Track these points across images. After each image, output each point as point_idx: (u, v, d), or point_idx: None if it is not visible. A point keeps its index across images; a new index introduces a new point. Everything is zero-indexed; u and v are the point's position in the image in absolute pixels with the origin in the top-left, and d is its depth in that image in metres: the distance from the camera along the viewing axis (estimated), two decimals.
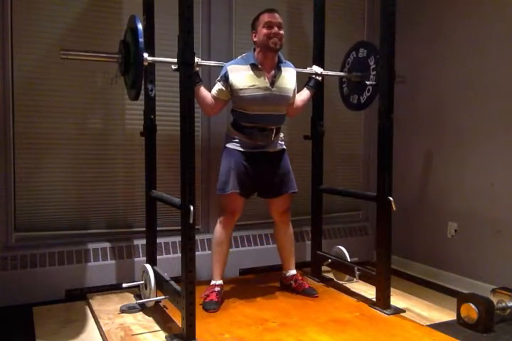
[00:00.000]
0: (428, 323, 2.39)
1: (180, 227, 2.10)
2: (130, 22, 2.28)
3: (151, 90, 2.59)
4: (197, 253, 2.13)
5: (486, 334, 2.27)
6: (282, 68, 2.59)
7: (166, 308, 2.48)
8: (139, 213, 2.95)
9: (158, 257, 2.73)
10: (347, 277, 2.96)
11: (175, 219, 2.83)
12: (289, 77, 2.62)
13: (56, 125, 2.78)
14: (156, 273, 2.46)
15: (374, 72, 2.68)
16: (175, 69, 2.10)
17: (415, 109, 3.40)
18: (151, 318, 2.39)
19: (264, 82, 2.51)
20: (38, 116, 2.74)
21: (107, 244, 2.90)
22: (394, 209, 2.48)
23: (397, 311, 2.50)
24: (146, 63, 2.23)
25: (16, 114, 2.69)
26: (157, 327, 2.28)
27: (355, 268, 2.72)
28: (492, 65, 2.87)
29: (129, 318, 2.39)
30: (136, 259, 2.92)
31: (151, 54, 2.57)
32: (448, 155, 3.16)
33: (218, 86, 2.55)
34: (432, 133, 3.29)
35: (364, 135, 3.73)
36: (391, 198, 2.48)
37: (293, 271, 2.82)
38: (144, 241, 2.75)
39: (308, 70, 2.83)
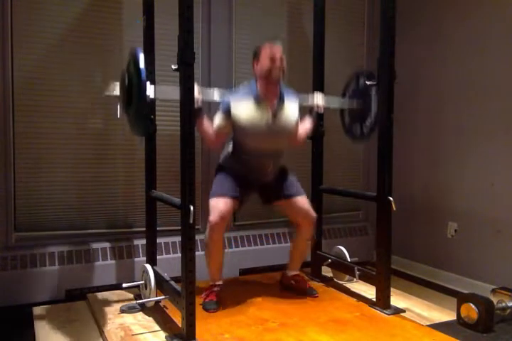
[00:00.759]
0: (428, 323, 2.39)
1: (180, 227, 2.10)
2: (132, 54, 2.24)
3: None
4: (197, 253, 2.12)
5: (486, 334, 2.27)
6: (285, 100, 2.55)
7: (166, 308, 2.48)
8: (139, 213, 2.95)
9: (158, 257, 2.72)
10: (347, 277, 2.96)
11: (175, 219, 2.83)
12: (291, 108, 2.57)
13: (56, 125, 2.78)
14: (156, 273, 2.46)
15: (375, 100, 2.63)
16: (175, 69, 2.10)
17: (415, 109, 3.40)
18: (151, 318, 2.39)
19: (266, 115, 2.48)
20: (38, 116, 2.74)
21: (107, 244, 2.90)
22: (394, 209, 2.48)
23: (397, 311, 2.50)
24: (149, 100, 2.22)
25: (16, 114, 2.69)
26: (157, 327, 2.28)
27: (355, 268, 2.72)
28: (492, 65, 2.88)
29: (129, 318, 2.39)
30: (136, 259, 2.92)
31: (151, 55, 2.58)
32: (448, 155, 3.16)
33: (220, 119, 2.51)
34: (432, 133, 3.29)
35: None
36: (391, 198, 2.48)
37: (295, 271, 2.82)
38: (144, 241, 2.75)
39: (310, 101, 2.73)
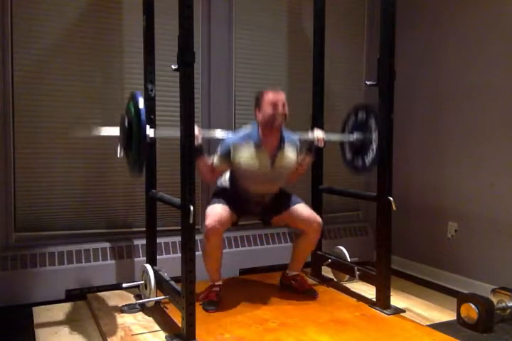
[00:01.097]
0: (428, 323, 2.39)
1: (180, 227, 2.10)
2: (132, 98, 2.26)
3: (151, 90, 2.59)
4: (197, 253, 2.12)
5: (486, 334, 2.28)
6: (285, 145, 2.55)
7: (166, 308, 2.48)
8: (139, 213, 2.95)
9: (158, 257, 2.72)
10: (347, 277, 2.96)
11: (175, 219, 2.83)
12: (290, 153, 2.58)
13: (56, 125, 2.78)
14: (156, 273, 2.46)
15: (376, 133, 2.60)
16: (175, 69, 2.10)
17: (415, 109, 3.40)
18: (151, 318, 2.39)
19: (265, 161, 2.50)
20: (38, 116, 2.74)
21: (107, 244, 2.90)
22: (394, 209, 2.48)
23: (397, 311, 2.50)
24: (149, 140, 2.22)
25: (16, 114, 2.69)
26: (157, 327, 2.28)
27: (355, 268, 2.72)
28: (492, 65, 2.87)
29: (129, 318, 2.39)
30: (136, 259, 2.92)
31: (151, 55, 2.58)
32: (448, 155, 3.16)
33: (219, 159, 2.51)
34: (432, 133, 3.29)
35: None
36: (391, 198, 2.48)
37: (296, 272, 2.82)
38: (144, 241, 2.75)
39: (309, 136, 2.70)
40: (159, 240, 2.79)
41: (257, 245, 3.28)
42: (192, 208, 2.03)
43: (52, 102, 2.76)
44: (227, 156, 2.49)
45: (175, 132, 2.12)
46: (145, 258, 2.71)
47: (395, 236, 2.58)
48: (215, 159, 2.53)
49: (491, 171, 2.88)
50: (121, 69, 2.91)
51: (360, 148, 2.75)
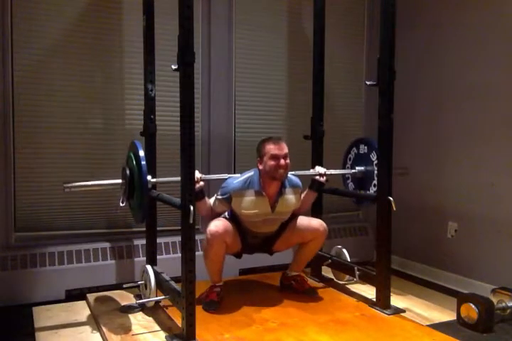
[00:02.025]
0: (428, 323, 2.39)
1: (180, 227, 2.10)
2: (131, 147, 2.33)
3: (151, 90, 2.59)
4: (197, 253, 2.12)
5: (486, 334, 2.28)
6: (286, 191, 2.55)
7: (166, 308, 2.48)
8: None
9: (158, 257, 2.72)
10: (347, 277, 2.95)
11: (175, 219, 2.83)
12: (291, 199, 2.58)
13: (56, 125, 2.78)
14: (156, 273, 2.46)
15: (377, 167, 2.61)
16: (175, 69, 2.10)
17: (415, 109, 3.40)
18: (151, 318, 2.39)
19: (266, 208, 2.51)
20: (38, 116, 2.74)
21: (107, 244, 2.90)
22: (394, 209, 2.48)
23: (397, 311, 2.50)
24: (150, 186, 2.30)
25: (16, 114, 2.69)
26: (157, 327, 2.28)
27: (355, 268, 2.72)
28: (492, 65, 2.87)
29: (129, 318, 2.39)
30: (136, 259, 2.92)
31: (151, 55, 2.58)
32: (448, 155, 3.16)
33: (219, 202, 2.53)
34: (432, 133, 3.29)
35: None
36: (391, 198, 2.48)
37: (296, 272, 2.82)
38: (144, 241, 2.75)
39: (311, 172, 2.73)
40: (159, 240, 2.79)
41: None
42: (192, 208, 2.03)
43: (52, 102, 2.76)
44: (227, 201, 2.50)
45: (176, 179, 2.17)
46: (145, 258, 2.71)
47: (395, 236, 2.58)
48: (214, 203, 2.54)
49: (491, 171, 2.88)
50: (121, 69, 2.91)
51: (362, 181, 2.79)
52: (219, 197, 2.52)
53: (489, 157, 2.89)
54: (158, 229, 2.71)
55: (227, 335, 2.19)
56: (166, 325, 2.31)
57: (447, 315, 2.51)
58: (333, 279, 3.03)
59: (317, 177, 2.70)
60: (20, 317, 2.54)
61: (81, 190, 2.30)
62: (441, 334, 2.23)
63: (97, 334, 2.29)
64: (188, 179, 2.05)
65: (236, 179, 2.53)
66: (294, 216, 2.68)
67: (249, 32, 3.24)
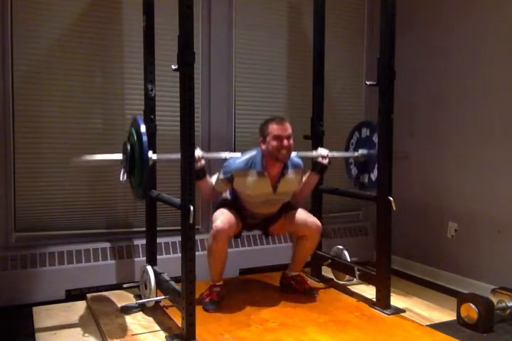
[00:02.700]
0: (428, 323, 2.39)
1: (180, 227, 2.10)
2: (133, 124, 2.31)
3: (151, 90, 2.59)
4: (197, 253, 2.12)
5: (486, 334, 2.28)
6: (288, 171, 2.54)
7: (166, 308, 2.48)
8: (139, 213, 2.95)
9: (158, 257, 2.72)
10: (347, 277, 2.95)
11: (175, 219, 2.83)
12: (293, 179, 2.57)
13: (56, 125, 2.78)
14: (156, 273, 2.46)
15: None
16: (175, 69, 2.10)
17: (415, 109, 3.40)
18: (151, 318, 2.39)
19: (267, 188, 2.50)
20: (38, 116, 2.74)
21: (107, 244, 2.90)
22: (394, 209, 2.48)
23: (397, 311, 2.50)
24: (151, 163, 2.27)
25: (16, 113, 2.69)
26: (157, 327, 2.28)
27: (355, 268, 2.72)
28: (493, 65, 2.87)
29: (129, 318, 2.39)
30: (136, 259, 2.92)
31: (151, 56, 2.58)
32: (448, 155, 3.16)
33: (221, 182, 2.52)
34: (432, 133, 3.29)
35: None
36: (391, 198, 2.48)
37: (296, 272, 2.82)
38: (144, 241, 2.75)
39: (314, 154, 2.71)
40: (159, 240, 2.79)
41: (257, 245, 3.28)
42: (192, 208, 2.03)
43: (53, 102, 2.76)
44: (229, 181, 2.50)
45: (176, 156, 2.14)
46: (145, 258, 2.71)
47: (395, 236, 2.58)
48: (216, 182, 2.53)
49: (491, 171, 2.88)
50: (121, 69, 2.90)
51: (365, 165, 2.77)
52: (221, 176, 2.51)
53: (489, 157, 2.89)
54: (158, 229, 2.71)
55: (227, 335, 2.19)
56: (166, 325, 2.31)
57: (447, 315, 2.51)
58: (333, 279, 3.03)
59: (319, 159, 2.68)
60: (20, 317, 2.54)
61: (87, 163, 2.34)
62: (441, 334, 2.23)
63: (97, 334, 2.29)
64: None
65: (238, 159, 2.51)
66: (295, 205, 2.68)
67: (249, 32, 3.23)
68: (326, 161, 2.67)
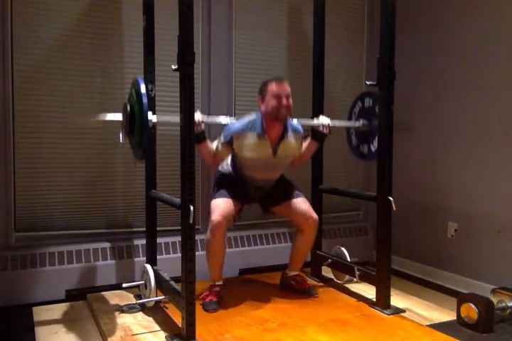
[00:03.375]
0: (428, 323, 2.39)
1: (180, 227, 2.10)
2: (134, 84, 2.29)
3: (151, 90, 2.59)
4: (197, 253, 2.12)
5: (486, 334, 2.28)
6: (288, 134, 2.54)
7: (166, 308, 2.48)
8: (139, 213, 2.95)
9: (158, 257, 2.72)
10: (347, 277, 2.95)
11: (175, 219, 2.83)
12: (293, 142, 2.57)
13: (56, 125, 2.78)
14: (156, 273, 2.46)
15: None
16: (175, 69, 2.10)
17: (416, 109, 3.40)
18: (151, 318, 2.39)
19: (267, 151, 2.50)
20: (38, 116, 2.74)
21: (107, 244, 2.90)
22: (394, 209, 2.48)
23: (397, 311, 2.50)
24: (151, 125, 2.25)
25: (16, 113, 2.69)
26: (157, 327, 2.28)
27: (355, 268, 2.72)
28: (493, 64, 2.87)
29: (129, 318, 2.39)
30: (136, 259, 2.92)
31: (151, 56, 2.58)
32: (448, 155, 3.16)
33: (221, 146, 2.52)
34: (432, 132, 3.29)
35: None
36: (391, 198, 2.48)
37: (295, 272, 2.82)
38: (144, 241, 2.75)
39: (315, 122, 2.72)
40: (159, 240, 2.79)
41: (257, 245, 3.28)
42: (192, 208, 2.03)
43: (53, 102, 2.76)
44: (229, 144, 2.49)
45: (176, 117, 2.12)
46: (145, 258, 2.71)
47: (395, 236, 2.58)
48: (216, 146, 2.53)
49: (491, 171, 2.88)
50: (122, 69, 2.90)
51: (366, 135, 2.76)
52: (221, 140, 2.51)
53: (490, 157, 2.89)
54: (158, 229, 2.71)
55: (227, 335, 2.19)
56: (166, 325, 2.31)
57: (447, 315, 2.51)
58: (333, 279, 3.03)
59: (320, 128, 2.68)
60: (20, 317, 2.54)
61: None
62: (441, 334, 2.23)
63: (97, 334, 2.29)
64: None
65: (237, 122, 2.52)
66: (294, 189, 2.68)
67: (249, 32, 3.23)
68: (326, 130, 2.68)
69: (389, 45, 2.45)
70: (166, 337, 2.17)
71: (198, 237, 2.97)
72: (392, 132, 2.51)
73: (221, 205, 2.49)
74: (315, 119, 2.74)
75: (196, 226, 2.36)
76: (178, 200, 2.13)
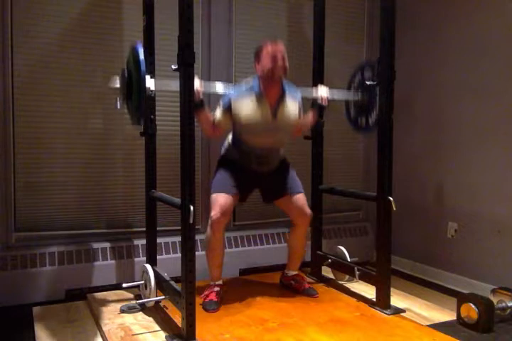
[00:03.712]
0: (428, 323, 2.39)
1: (180, 227, 2.10)
2: (132, 51, 2.27)
3: (151, 90, 2.58)
4: (197, 253, 2.12)
5: (486, 334, 2.28)
6: (286, 96, 2.54)
7: (166, 308, 2.48)
8: (139, 213, 2.95)
9: (158, 257, 2.72)
10: (347, 277, 2.96)
11: (175, 219, 2.83)
12: (292, 106, 2.57)
13: (56, 125, 2.78)
14: (156, 273, 2.46)
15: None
16: (175, 69, 2.10)
17: (415, 109, 3.40)
18: (151, 318, 2.39)
19: (266, 113, 2.49)
20: (38, 116, 2.74)
21: (107, 244, 2.90)
22: (394, 209, 2.48)
23: (397, 311, 2.50)
24: (149, 93, 2.23)
25: (16, 114, 2.69)
26: (157, 327, 2.28)
27: (355, 268, 2.72)
28: (492, 65, 2.87)
29: (129, 318, 2.39)
30: (136, 259, 2.92)
31: (151, 55, 2.58)
32: (448, 155, 3.16)
33: (220, 113, 2.52)
34: (432, 132, 3.29)
35: (364, 135, 3.72)
36: (391, 198, 2.48)
37: (295, 271, 2.83)
38: (144, 241, 2.75)
39: (314, 94, 2.72)
40: (159, 240, 2.79)
41: (257, 245, 3.28)
42: (192, 208, 2.03)
43: (52, 102, 2.76)
44: (228, 109, 2.49)
45: (175, 83, 2.11)
46: (145, 258, 2.71)
47: (395, 236, 2.58)
48: (216, 115, 2.53)
49: (492, 171, 2.88)
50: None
51: (364, 107, 2.75)
52: (220, 107, 2.52)
53: (489, 157, 2.89)
54: (158, 229, 2.71)
55: (227, 335, 2.19)
56: (166, 325, 2.31)
57: (447, 315, 2.51)
58: (333, 279, 3.03)
59: (319, 100, 2.70)
60: (20, 317, 2.54)
61: None
62: (441, 334, 2.23)
63: (97, 334, 2.29)
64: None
65: (235, 88, 2.55)
66: (296, 190, 2.68)
67: (249, 32, 3.24)
68: (325, 103, 2.70)
69: (389, 45, 2.45)
70: (166, 337, 2.17)
71: (198, 237, 2.97)
72: (392, 137, 2.50)
73: (220, 201, 2.51)
74: (314, 90, 2.74)
75: (196, 226, 2.36)
76: (178, 200, 2.13)
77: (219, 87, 2.51)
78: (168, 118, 2.89)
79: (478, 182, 2.95)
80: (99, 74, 2.86)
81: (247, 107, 2.48)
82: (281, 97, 2.52)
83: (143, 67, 2.10)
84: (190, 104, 2.05)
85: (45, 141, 2.77)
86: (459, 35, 3.08)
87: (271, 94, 2.50)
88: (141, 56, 2.11)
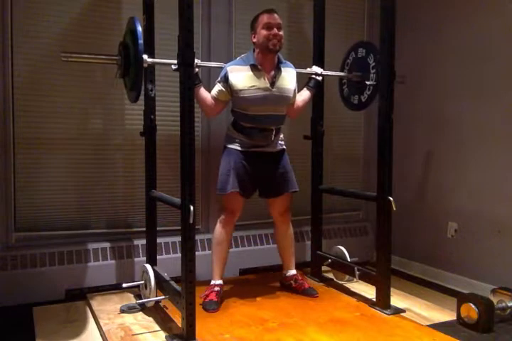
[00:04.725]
0: (428, 323, 2.39)
1: (180, 227, 2.10)
2: (129, 23, 2.27)
3: (151, 90, 2.59)
4: (197, 253, 2.13)
5: (486, 334, 2.28)
6: (282, 68, 2.59)
7: (166, 308, 2.48)
8: (139, 213, 2.95)
9: (158, 257, 2.72)
10: (347, 277, 2.96)
11: (175, 219, 2.83)
12: (288, 77, 2.62)
13: (56, 125, 2.78)
14: (156, 273, 2.46)
15: (374, 71, 2.68)
16: (175, 70, 2.10)
17: (415, 109, 3.40)
18: (151, 318, 2.39)
19: (264, 82, 2.51)
20: (38, 116, 2.74)
21: (107, 244, 2.90)
22: (394, 209, 2.48)
23: (397, 311, 2.50)
24: (145, 65, 2.21)
25: (16, 114, 2.69)
26: (157, 327, 2.28)
27: (355, 268, 2.72)
28: (492, 65, 2.87)
29: (129, 318, 2.39)
30: (136, 259, 2.92)
31: (151, 55, 2.58)
32: (448, 155, 3.16)
33: (218, 87, 2.55)
34: (432, 132, 3.29)
35: (364, 135, 3.73)
36: (391, 198, 2.48)
37: (293, 271, 2.83)
38: (144, 241, 2.75)
39: (308, 70, 2.83)
40: (159, 240, 2.79)
41: (257, 245, 3.28)
42: (192, 208, 2.03)
43: (52, 102, 2.76)
44: (225, 82, 2.52)
45: (173, 61, 2.12)
46: (145, 258, 2.71)
47: (395, 236, 2.58)
48: (215, 91, 2.56)
49: (491, 171, 2.88)
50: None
51: (357, 85, 2.82)
52: (217, 81, 2.56)
53: (490, 157, 2.89)
54: (158, 229, 2.71)
55: (227, 335, 2.19)
56: (166, 325, 2.31)
57: (447, 315, 2.51)
58: (333, 279, 3.03)
59: (313, 76, 2.80)
60: (20, 317, 2.54)
61: (78, 60, 2.24)
62: (441, 334, 2.23)
63: (97, 335, 2.29)
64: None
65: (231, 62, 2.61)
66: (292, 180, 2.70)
67: (249, 32, 3.22)
68: (319, 78, 2.80)
69: (389, 45, 2.46)
70: (166, 337, 2.17)
71: (198, 237, 2.99)
72: (392, 137, 2.51)
73: (229, 204, 2.61)
74: (308, 69, 2.84)
75: (196, 226, 2.36)
76: (178, 200, 2.13)
77: (215, 64, 2.58)
78: (168, 118, 2.89)
79: (478, 182, 2.95)
80: (99, 73, 2.86)
81: (243, 78, 2.50)
82: (277, 67, 2.56)
83: (139, 37, 2.09)
84: (191, 104, 2.05)
85: (45, 141, 2.77)
86: (459, 35, 3.08)
87: (267, 64, 2.54)
88: (138, 27, 2.11)
